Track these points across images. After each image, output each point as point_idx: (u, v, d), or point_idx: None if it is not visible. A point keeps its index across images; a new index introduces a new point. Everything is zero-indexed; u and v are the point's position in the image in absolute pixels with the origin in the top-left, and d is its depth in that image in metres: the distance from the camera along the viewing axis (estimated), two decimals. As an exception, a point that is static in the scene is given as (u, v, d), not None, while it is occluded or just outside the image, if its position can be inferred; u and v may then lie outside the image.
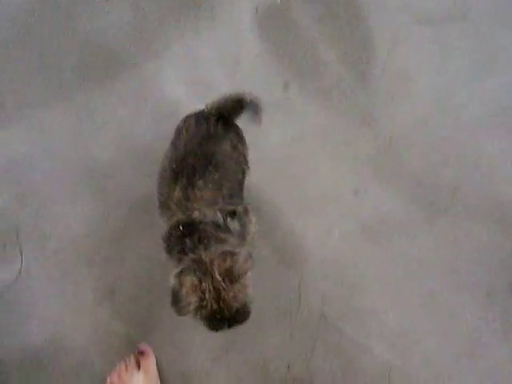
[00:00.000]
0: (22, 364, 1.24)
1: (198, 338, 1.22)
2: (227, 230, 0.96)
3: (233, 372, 1.20)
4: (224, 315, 0.86)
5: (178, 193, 0.95)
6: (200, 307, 0.85)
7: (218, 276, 0.85)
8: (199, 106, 1.32)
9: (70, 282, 1.27)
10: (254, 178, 1.26)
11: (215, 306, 0.85)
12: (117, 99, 1.38)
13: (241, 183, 1.07)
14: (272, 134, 1.33)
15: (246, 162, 1.08)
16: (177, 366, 1.22)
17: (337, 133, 1.32)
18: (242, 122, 1.07)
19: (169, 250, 0.97)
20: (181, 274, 0.87)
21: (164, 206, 0.99)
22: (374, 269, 1.25)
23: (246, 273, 0.87)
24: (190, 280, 0.86)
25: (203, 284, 0.85)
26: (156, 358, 1.21)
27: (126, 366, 1.16)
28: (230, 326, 0.89)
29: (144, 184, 1.30)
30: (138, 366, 1.17)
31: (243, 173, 1.08)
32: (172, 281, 0.88)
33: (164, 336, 1.23)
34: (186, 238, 0.92)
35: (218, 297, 0.85)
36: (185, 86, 1.38)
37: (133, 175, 1.32)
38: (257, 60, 1.38)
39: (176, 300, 0.87)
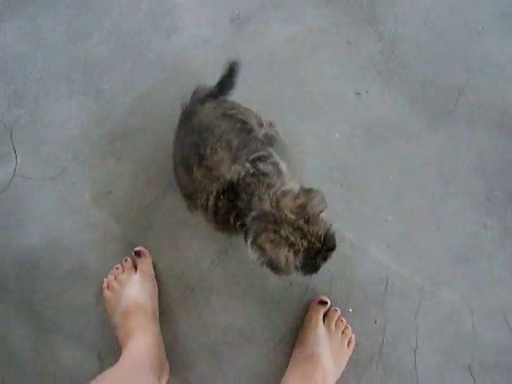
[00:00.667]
0: (19, 266, 1.18)
1: (196, 243, 1.17)
2: (265, 174, 0.89)
3: (230, 273, 1.17)
4: (316, 248, 0.81)
5: (197, 173, 0.89)
6: (295, 254, 0.79)
7: (290, 215, 0.79)
8: (190, 1, 1.27)
9: (65, 182, 1.20)
10: (253, 80, 1.21)
11: (305, 243, 0.79)
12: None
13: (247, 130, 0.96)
14: (273, 31, 1.26)
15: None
16: (174, 268, 1.17)
17: (338, 33, 1.26)
18: None
19: (222, 226, 0.91)
20: (255, 240, 0.81)
21: (193, 194, 0.91)
22: (373, 172, 1.20)
23: (319, 213, 0.81)
24: (266, 238, 0.79)
25: (282, 231, 0.79)
26: (153, 259, 1.16)
27: (123, 267, 1.13)
28: (324, 258, 0.83)
29: (141, 82, 1.23)
30: (135, 267, 1.14)
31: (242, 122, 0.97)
32: (253, 253, 0.81)
33: (161, 238, 1.18)
34: (235, 201, 0.86)
35: (303, 233, 0.79)
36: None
37: (129, 72, 1.25)
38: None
39: (275, 267, 0.81)
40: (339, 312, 1.13)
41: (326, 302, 1.12)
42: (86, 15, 1.28)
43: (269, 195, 0.83)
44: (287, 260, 0.79)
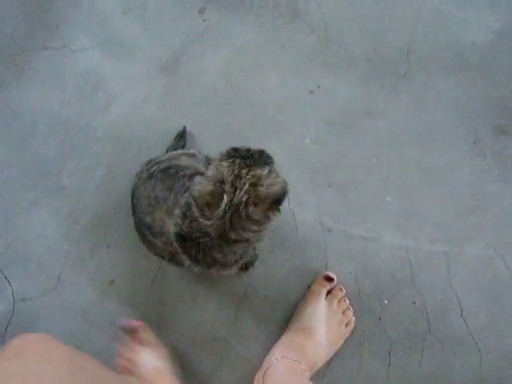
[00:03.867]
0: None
1: (215, 294, 1.15)
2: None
3: (257, 313, 1.14)
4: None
5: (157, 242, 0.89)
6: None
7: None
8: (120, 64, 1.23)
9: (65, 288, 1.16)
10: (206, 118, 1.18)
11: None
12: (34, 88, 1.25)
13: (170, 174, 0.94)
14: (206, 64, 1.23)
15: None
16: (202, 326, 1.13)
17: (269, 41, 1.23)
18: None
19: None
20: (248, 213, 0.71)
21: (173, 257, 0.89)
22: (355, 161, 1.18)
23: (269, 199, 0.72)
24: (251, 204, 0.70)
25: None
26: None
27: (129, 348, 1.07)
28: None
29: (98, 164, 1.20)
30: (138, 341, 1.08)
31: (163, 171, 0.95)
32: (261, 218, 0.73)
33: (178, 305, 1.14)
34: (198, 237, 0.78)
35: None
36: (99, 50, 1.26)
37: (83, 158, 1.22)
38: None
39: (283, 197, 0.73)
40: (344, 292, 1.10)
41: (333, 279, 1.09)
42: (20, 118, 1.24)
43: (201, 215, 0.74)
44: (275, 180, 0.74)
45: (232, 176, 0.70)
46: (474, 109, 1.19)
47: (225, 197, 0.69)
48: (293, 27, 1.22)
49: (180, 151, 1.05)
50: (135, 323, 1.09)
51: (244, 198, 0.69)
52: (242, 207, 0.70)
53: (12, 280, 1.18)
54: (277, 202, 0.73)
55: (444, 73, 1.19)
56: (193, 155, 1.01)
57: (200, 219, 0.73)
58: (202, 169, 0.91)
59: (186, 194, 0.81)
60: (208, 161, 0.99)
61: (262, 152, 0.77)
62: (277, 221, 0.75)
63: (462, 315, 1.13)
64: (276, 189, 0.72)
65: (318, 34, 1.22)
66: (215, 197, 0.70)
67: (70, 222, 1.19)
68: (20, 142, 1.22)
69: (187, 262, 0.86)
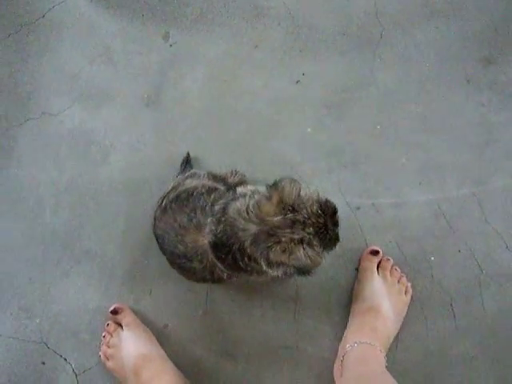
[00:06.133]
0: None
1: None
2: (226, 207, 0.83)
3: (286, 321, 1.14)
4: (322, 223, 0.74)
5: (196, 265, 0.90)
6: (310, 246, 0.74)
7: (276, 218, 0.73)
8: (104, 113, 1.21)
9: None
10: (206, 139, 1.17)
11: (311, 229, 0.73)
12: (28, 164, 1.23)
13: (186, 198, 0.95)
14: (188, 86, 1.21)
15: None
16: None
17: (241, 43, 1.22)
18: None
19: (238, 273, 0.86)
20: (268, 261, 0.75)
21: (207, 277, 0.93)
22: (361, 135, 1.18)
23: (299, 195, 0.75)
24: (277, 253, 0.73)
25: (282, 237, 0.73)
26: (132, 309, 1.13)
27: (109, 332, 1.10)
28: (334, 224, 0.78)
29: (115, 218, 1.19)
30: (121, 326, 1.11)
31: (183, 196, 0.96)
32: (276, 272, 0.77)
33: (223, 336, 1.14)
34: (228, 251, 0.80)
35: (301, 223, 0.73)
36: (79, 106, 1.24)
37: (99, 216, 1.20)
38: (121, 33, 1.24)
39: (306, 270, 0.78)
40: (392, 261, 1.11)
41: (378, 252, 1.10)
42: (25, 197, 1.22)
43: (244, 218, 0.76)
44: (309, 256, 0.74)
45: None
46: (456, 50, 1.19)
47: (290, 215, 0.73)
48: (260, 25, 1.21)
49: (180, 177, 1.04)
50: (116, 306, 1.11)
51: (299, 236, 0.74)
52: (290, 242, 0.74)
53: (68, 356, 1.16)
54: (300, 270, 0.78)
55: (417, 24, 1.19)
56: (193, 175, 1.02)
57: (239, 222, 0.76)
58: (216, 185, 0.97)
59: (222, 201, 0.83)
60: (214, 175, 1.04)
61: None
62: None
63: (507, 248, 1.14)
64: (309, 262, 0.75)
65: (286, 23, 1.21)
66: (278, 208, 0.74)
67: (106, 282, 1.17)
68: (33, 221, 1.20)
69: (225, 274, 0.87)
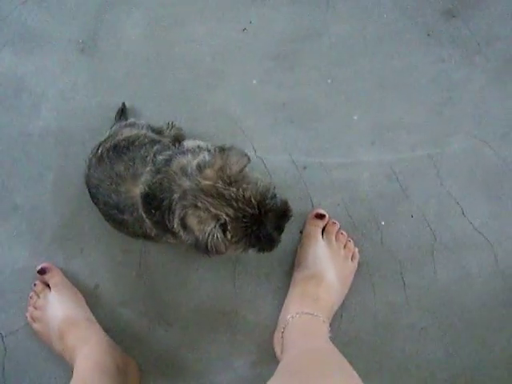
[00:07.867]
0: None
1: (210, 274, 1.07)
2: (169, 161, 0.79)
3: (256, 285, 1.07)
4: (249, 214, 0.68)
5: (127, 218, 0.86)
6: (222, 228, 0.68)
7: (206, 182, 0.68)
8: (36, 58, 1.12)
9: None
10: (145, 88, 1.09)
11: (231, 211, 0.67)
12: None
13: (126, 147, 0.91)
14: (126, 32, 1.13)
15: None
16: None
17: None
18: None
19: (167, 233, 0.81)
20: (182, 221, 0.71)
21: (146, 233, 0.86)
22: (311, 89, 1.10)
23: (241, 170, 0.70)
24: (194, 216, 0.68)
25: (200, 204, 0.68)
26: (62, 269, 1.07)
27: (36, 293, 1.05)
28: (279, 227, 0.75)
29: (44, 171, 1.11)
30: (48, 286, 1.05)
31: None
32: (186, 237, 0.72)
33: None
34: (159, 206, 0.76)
35: (226, 200, 0.67)
36: (10, 50, 1.15)
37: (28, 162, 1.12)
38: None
39: (203, 247, 0.69)
40: (338, 225, 1.03)
41: (324, 215, 1.03)
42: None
43: (185, 175, 0.72)
44: (214, 237, 0.67)
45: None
46: (417, 0, 1.11)
47: (221, 185, 0.70)
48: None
49: (118, 125, 0.98)
50: (43, 265, 1.06)
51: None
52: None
53: (-7, 317, 1.10)
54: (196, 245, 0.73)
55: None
56: (132, 124, 0.96)
57: (178, 177, 0.73)
58: (160, 137, 0.94)
59: (168, 152, 0.80)
60: (152, 128, 0.99)
61: None
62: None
63: (463, 214, 1.07)
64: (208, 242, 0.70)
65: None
66: (217, 175, 0.70)
67: (34, 239, 1.10)
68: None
69: (153, 232, 0.82)
